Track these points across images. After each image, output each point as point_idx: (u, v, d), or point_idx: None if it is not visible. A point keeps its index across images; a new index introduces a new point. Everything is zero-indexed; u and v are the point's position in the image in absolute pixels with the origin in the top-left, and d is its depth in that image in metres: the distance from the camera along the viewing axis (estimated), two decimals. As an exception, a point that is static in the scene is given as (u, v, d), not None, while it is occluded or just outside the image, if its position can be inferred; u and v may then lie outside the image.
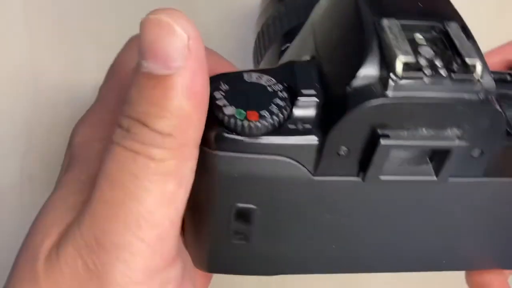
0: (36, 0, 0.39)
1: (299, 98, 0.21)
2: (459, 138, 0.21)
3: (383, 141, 0.20)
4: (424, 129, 0.21)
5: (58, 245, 0.21)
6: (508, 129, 0.22)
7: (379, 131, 0.20)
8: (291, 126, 0.21)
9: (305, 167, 0.21)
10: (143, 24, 0.20)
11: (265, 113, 0.20)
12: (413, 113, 0.20)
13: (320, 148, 0.21)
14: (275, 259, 0.25)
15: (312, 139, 0.21)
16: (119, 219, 0.20)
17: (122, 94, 0.23)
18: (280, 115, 0.20)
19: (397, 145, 0.21)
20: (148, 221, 0.21)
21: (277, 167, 0.21)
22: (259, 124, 0.20)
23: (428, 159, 0.22)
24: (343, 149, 0.21)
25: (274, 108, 0.21)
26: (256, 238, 0.23)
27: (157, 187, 0.20)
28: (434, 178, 0.22)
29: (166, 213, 0.21)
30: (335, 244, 0.24)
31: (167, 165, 0.20)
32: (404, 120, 0.20)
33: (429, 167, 0.22)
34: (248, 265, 0.25)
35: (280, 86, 0.21)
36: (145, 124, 0.20)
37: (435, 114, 0.20)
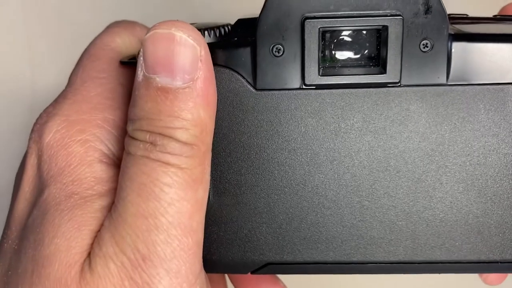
0: (35, 2, 0.39)
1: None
2: (393, 15, 0.22)
3: (309, 22, 0.22)
4: (354, 12, 0.22)
5: (91, 264, 0.21)
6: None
7: (306, 15, 0.22)
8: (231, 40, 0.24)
9: (245, 79, 0.23)
10: (152, 39, 0.21)
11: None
12: None
13: (253, 49, 0.22)
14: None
15: (245, 44, 0.23)
16: (161, 231, 0.21)
17: (103, 84, 0.23)
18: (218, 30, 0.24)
19: (325, 26, 0.22)
20: (187, 229, 0.21)
21: (219, 78, 0.23)
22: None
23: (373, 58, 0.23)
24: (276, 48, 0.22)
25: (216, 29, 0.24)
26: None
27: (191, 194, 0.21)
28: (382, 76, 0.23)
29: (200, 218, 0.22)
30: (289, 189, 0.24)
31: (195, 172, 0.21)
32: (331, 3, 0.22)
33: (377, 68, 0.23)
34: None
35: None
36: (170, 136, 0.21)
37: None
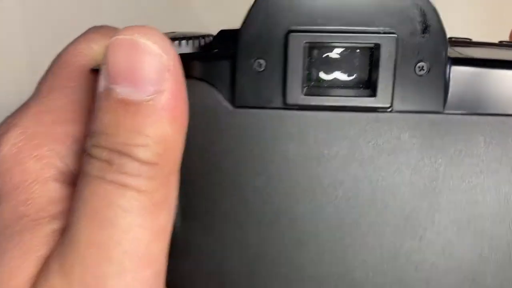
0: (34, 2, 0.38)
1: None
2: (387, 32, 0.20)
3: (293, 35, 0.20)
4: (344, 27, 0.20)
5: None
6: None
7: (291, 28, 0.20)
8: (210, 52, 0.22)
9: (222, 95, 0.21)
10: (113, 46, 0.19)
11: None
12: (329, 8, 0.20)
13: (233, 63, 0.20)
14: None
15: (225, 57, 0.21)
16: (114, 261, 0.19)
17: (70, 94, 0.21)
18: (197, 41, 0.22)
19: (311, 41, 0.20)
20: (144, 260, 0.19)
21: (192, 91, 0.20)
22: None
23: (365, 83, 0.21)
24: (258, 62, 0.20)
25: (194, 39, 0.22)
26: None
27: (151, 221, 0.19)
28: (372, 99, 0.20)
29: (161, 247, 0.20)
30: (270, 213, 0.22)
31: (156, 196, 0.19)
32: (319, 16, 0.20)
33: (367, 90, 0.21)
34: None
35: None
36: (129, 155, 0.19)
37: (354, 9, 0.20)
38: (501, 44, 0.26)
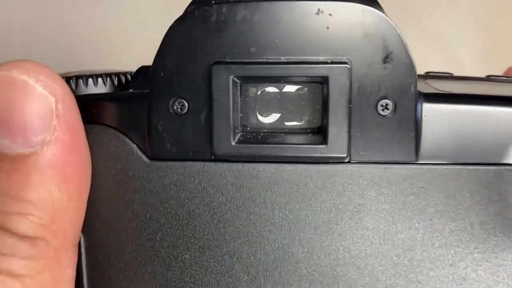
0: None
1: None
2: (336, 62, 0.15)
3: (218, 67, 0.16)
4: (283, 57, 0.16)
5: None
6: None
7: (216, 59, 0.16)
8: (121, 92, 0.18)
9: (137, 144, 0.17)
10: None
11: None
12: (263, 33, 0.16)
13: (148, 105, 0.16)
14: None
15: (138, 98, 0.17)
16: None
17: None
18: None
19: (241, 74, 0.16)
20: None
21: (99, 140, 0.17)
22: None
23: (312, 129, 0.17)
24: (178, 103, 0.16)
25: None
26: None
27: None
28: (323, 147, 0.16)
29: None
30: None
31: (40, 281, 0.15)
32: (251, 44, 0.16)
33: (317, 136, 0.16)
34: None
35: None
36: (1, 227, 0.15)
37: (295, 33, 0.16)
38: (488, 79, 0.21)
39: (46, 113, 0.15)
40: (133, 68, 0.20)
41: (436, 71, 0.21)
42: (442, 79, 0.20)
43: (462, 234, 0.16)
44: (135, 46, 0.35)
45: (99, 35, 0.36)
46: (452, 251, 0.16)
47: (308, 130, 0.16)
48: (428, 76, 0.18)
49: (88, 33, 0.37)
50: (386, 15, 0.15)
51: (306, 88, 0.16)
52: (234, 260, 0.17)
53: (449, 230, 0.16)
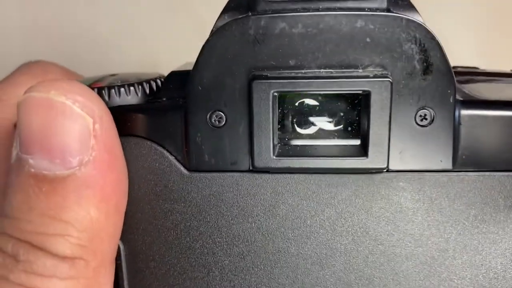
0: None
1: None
2: (378, 76, 0.15)
3: (258, 83, 0.15)
4: (323, 70, 0.16)
5: None
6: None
7: (254, 73, 0.16)
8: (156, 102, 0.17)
9: (174, 156, 0.17)
10: (24, 105, 0.15)
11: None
12: (301, 45, 0.15)
13: (185, 117, 0.16)
14: None
15: (174, 109, 0.17)
16: None
17: None
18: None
19: (281, 89, 0.16)
20: None
21: (136, 153, 0.17)
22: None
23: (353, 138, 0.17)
24: (216, 115, 0.16)
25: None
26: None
27: None
28: (363, 160, 0.16)
29: None
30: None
31: None
32: (290, 57, 0.16)
33: (356, 148, 0.17)
34: None
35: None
36: (41, 248, 0.14)
37: (334, 45, 0.16)
38: None
39: (84, 134, 0.15)
40: (163, 70, 0.20)
41: (460, 65, 0.21)
42: (472, 78, 0.20)
43: (494, 237, 0.17)
44: (135, 46, 0.35)
45: (99, 35, 0.36)
46: (483, 253, 0.17)
47: (348, 142, 0.17)
48: (455, 72, 0.18)
49: (88, 33, 0.36)
50: (425, 25, 0.16)
51: (347, 101, 0.16)
52: (273, 264, 0.17)
53: (482, 233, 0.17)
